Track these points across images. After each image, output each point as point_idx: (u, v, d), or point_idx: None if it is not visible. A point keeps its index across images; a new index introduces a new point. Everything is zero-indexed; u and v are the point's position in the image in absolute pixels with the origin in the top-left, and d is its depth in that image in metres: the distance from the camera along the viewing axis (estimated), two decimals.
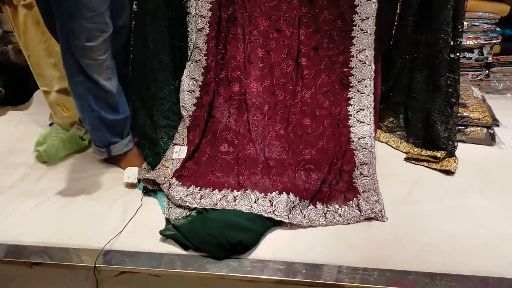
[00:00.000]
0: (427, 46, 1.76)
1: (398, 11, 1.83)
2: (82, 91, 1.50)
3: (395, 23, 1.85)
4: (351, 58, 1.71)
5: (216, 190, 1.45)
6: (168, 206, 1.40)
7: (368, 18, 1.67)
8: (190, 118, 1.71)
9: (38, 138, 1.80)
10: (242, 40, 1.75)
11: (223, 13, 1.71)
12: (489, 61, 2.12)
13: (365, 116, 1.69)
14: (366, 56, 1.69)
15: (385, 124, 1.88)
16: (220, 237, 1.22)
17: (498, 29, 2.06)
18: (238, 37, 1.74)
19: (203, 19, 1.70)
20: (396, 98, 1.88)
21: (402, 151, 1.74)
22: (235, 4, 1.72)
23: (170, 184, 1.46)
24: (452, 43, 1.73)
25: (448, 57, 1.72)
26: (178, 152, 1.60)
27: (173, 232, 1.28)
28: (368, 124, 1.66)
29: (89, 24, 1.39)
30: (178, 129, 1.71)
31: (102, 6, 1.40)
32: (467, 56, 2.10)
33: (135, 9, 1.68)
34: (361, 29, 1.68)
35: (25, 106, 2.24)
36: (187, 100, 1.73)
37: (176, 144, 1.65)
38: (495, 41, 2.06)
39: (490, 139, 1.75)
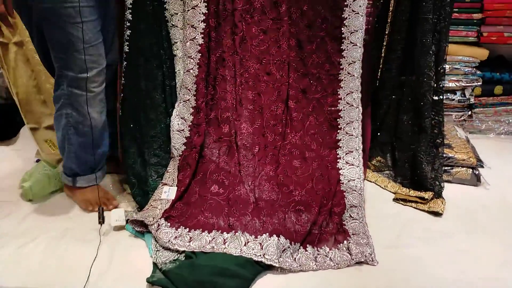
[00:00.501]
0: (411, 88, 1.82)
1: (382, 54, 1.91)
2: (66, 124, 1.50)
3: (380, 66, 1.92)
4: (339, 101, 1.76)
5: (206, 231, 1.43)
6: (156, 249, 1.37)
7: (354, 62, 1.72)
8: (180, 157, 1.70)
9: (23, 176, 1.76)
10: (231, 82, 1.78)
11: (212, 55, 1.75)
12: (471, 103, 2.19)
13: (353, 158, 1.71)
14: (354, 99, 1.74)
15: (373, 163, 1.91)
16: (208, 285, 1.19)
17: (478, 72, 2.15)
18: (227, 79, 1.78)
19: (192, 60, 1.74)
20: (383, 138, 1.92)
21: (390, 191, 1.76)
22: (224, 46, 1.76)
23: (158, 225, 1.44)
24: (435, 85, 1.79)
25: (432, 100, 1.78)
26: (168, 192, 1.59)
27: (160, 277, 1.25)
28: (357, 167, 1.68)
29: (82, 56, 1.40)
30: (168, 168, 1.71)
31: (97, 39, 1.43)
32: (450, 97, 2.17)
33: (127, 50, 1.71)
34: (348, 73, 1.74)
35: (12, 141, 2.21)
36: (177, 139, 1.73)
37: (165, 184, 1.64)
38: (475, 83, 2.15)
39: (476, 180, 1.78)
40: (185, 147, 1.73)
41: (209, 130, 1.76)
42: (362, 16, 1.69)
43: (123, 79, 1.72)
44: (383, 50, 1.90)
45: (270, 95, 1.78)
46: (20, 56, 1.84)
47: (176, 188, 1.60)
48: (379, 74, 1.92)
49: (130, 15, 1.68)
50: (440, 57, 1.77)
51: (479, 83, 2.15)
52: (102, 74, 1.47)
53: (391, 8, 1.84)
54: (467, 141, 1.95)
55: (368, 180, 1.83)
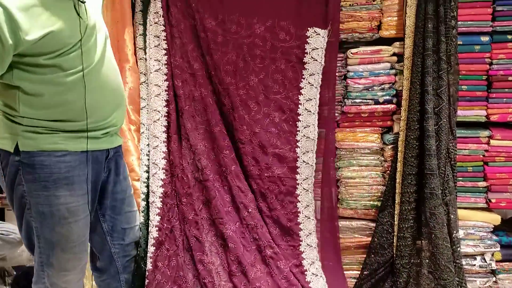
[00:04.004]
0: (429, 258, 1.84)
1: (396, 222, 1.99)
2: None
3: (395, 233, 1.98)
4: (304, 272, 1.91)
5: None
6: None
7: (310, 233, 1.97)
8: None
9: None
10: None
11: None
12: (493, 268, 2.15)
13: None
14: (316, 268, 1.93)
15: None
16: None
17: (494, 237, 2.16)
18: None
19: None
20: None
21: None
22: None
23: None
24: (452, 251, 1.81)
25: (455, 270, 1.78)
26: None
27: None
28: None
29: (67, 254, 1.40)
30: None
31: (84, 235, 1.43)
32: (470, 262, 2.14)
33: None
34: (308, 244, 1.96)
35: None
36: None
37: None
38: (494, 248, 2.14)
39: None
40: None
41: None
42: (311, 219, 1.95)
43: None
44: (395, 218, 1.99)
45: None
46: None
47: None
48: (394, 241, 1.97)
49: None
50: (452, 227, 1.84)
51: (497, 249, 2.14)
52: (83, 269, 1.48)
53: (398, 180, 2.00)
54: None
55: None
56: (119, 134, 1.59)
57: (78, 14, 1.30)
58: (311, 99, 1.96)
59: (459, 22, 1.97)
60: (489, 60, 2.05)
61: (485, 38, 2.02)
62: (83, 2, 1.33)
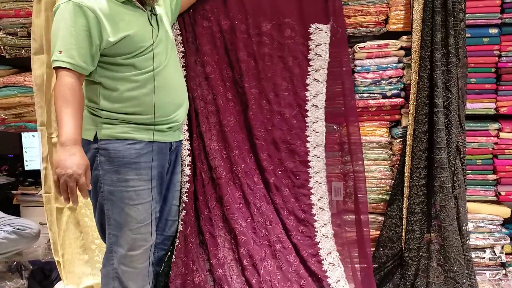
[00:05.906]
0: (438, 251, 1.85)
1: (404, 216, 2.00)
2: None
3: (403, 226, 1.99)
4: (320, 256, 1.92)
5: None
6: None
7: (325, 224, 1.97)
8: None
9: None
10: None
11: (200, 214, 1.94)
12: (503, 261, 2.14)
13: None
14: (333, 258, 1.93)
15: None
16: None
17: (504, 230, 2.16)
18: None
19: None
20: None
21: None
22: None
23: None
24: (461, 244, 1.82)
25: (464, 262, 1.79)
26: None
27: None
28: None
29: (134, 234, 1.53)
30: None
31: (149, 217, 1.56)
32: (480, 255, 2.14)
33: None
34: (323, 234, 1.96)
35: None
36: None
37: None
38: (504, 241, 2.13)
39: None
40: None
41: None
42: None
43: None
44: (404, 211, 2.00)
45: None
46: (71, 219, 2.05)
47: None
48: (403, 235, 1.98)
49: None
50: (461, 220, 1.84)
51: (507, 241, 2.13)
52: (148, 251, 1.57)
53: (406, 174, 2.01)
54: None
55: None
56: (181, 130, 1.78)
57: (151, 24, 1.55)
58: (318, 95, 1.98)
59: (467, 15, 1.96)
60: (498, 53, 2.04)
61: (494, 31, 2.01)
62: (155, 15, 1.58)
